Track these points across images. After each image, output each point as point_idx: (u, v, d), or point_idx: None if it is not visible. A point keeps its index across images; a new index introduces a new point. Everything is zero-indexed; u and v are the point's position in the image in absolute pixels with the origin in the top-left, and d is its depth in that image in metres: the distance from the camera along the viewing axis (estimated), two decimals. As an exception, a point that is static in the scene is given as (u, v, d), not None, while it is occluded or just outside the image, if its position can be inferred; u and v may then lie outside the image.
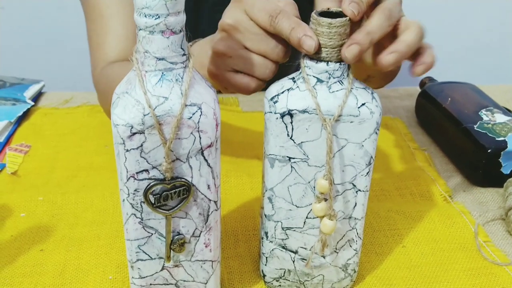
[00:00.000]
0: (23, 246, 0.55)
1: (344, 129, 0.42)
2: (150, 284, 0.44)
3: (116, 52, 0.72)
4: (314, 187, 0.45)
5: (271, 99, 0.43)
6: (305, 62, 0.42)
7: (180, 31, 0.36)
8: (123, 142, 0.37)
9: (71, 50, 1.32)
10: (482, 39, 1.43)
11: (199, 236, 0.42)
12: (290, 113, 0.42)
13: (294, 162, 0.44)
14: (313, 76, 0.42)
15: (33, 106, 0.81)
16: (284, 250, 0.48)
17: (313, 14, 0.41)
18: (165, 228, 0.41)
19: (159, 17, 0.35)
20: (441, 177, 0.69)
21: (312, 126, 0.42)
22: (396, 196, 0.65)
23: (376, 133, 0.43)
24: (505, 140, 0.65)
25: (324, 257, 0.48)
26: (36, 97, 0.84)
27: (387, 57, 0.44)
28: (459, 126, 0.70)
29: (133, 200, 0.39)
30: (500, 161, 0.65)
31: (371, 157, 0.44)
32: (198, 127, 0.38)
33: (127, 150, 0.37)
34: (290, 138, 0.43)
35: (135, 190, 0.39)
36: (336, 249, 0.48)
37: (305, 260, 0.48)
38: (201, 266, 0.44)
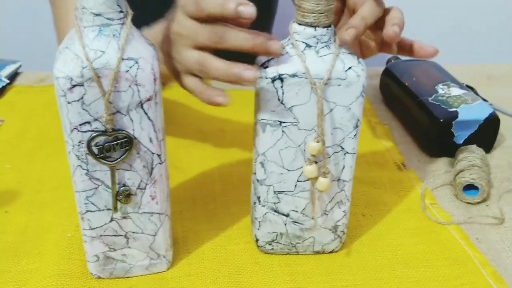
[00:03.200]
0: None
1: (332, 92, 0.44)
2: (100, 236, 0.47)
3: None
4: (304, 150, 0.47)
5: (262, 65, 0.45)
6: (294, 28, 0.44)
7: (117, -12, 0.39)
8: (64, 95, 0.39)
9: (49, 31, 1.34)
10: (453, 22, 1.46)
11: (145, 188, 0.45)
12: (280, 78, 0.44)
13: (285, 126, 0.46)
14: (302, 42, 0.44)
15: (8, 84, 0.84)
16: (276, 213, 0.50)
17: None
18: (110, 180, 0.44)
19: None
20: (397, 147, 0.72)
21: (302, 90, 0.44)
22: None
23: (362, 96, 0.45)
24: (456, 111, 0.68)
25: (313, 218, 0.50)
26: (12, 76, 0.87)
27: (347, 32, 0.47)
28: (415, 99, 0.73)
29: (78, 151, 0.42)
30: (452, 131, 0.68)
31: (358, 119, 0.46)
32: (136, 81, 0.40)
33: (69, 102, 0.40)
34: (281, 102, 0.45)
35: (79, 142, 0.42)
36: (326, 211, 0.50)
37: (297, 223, 0.50)
38: (149, 219, 0.47)
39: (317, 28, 0.43)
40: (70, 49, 0.39)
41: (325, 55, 0.44)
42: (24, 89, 0.84)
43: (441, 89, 0.73)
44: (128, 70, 0.40)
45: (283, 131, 0.46)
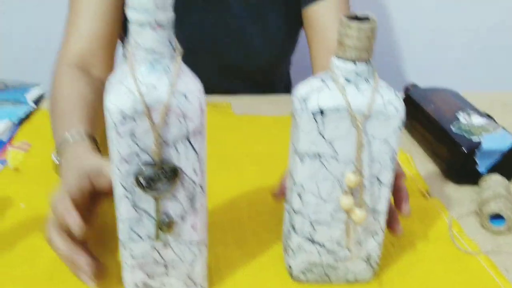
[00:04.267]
0: (23, 233, 0.59)
1: (371, 126, 0.45)
2: (141, 264, 0.47)
3: (75, 51, 0.77)
4: (341, 182, 0.47)
5: (302, 97, 0.46)
6: (334, 62, 0.45)
7: (168, 26, 0.40)
8: (115, 127, 0.41)
9: None
10: (468, 48, 1.48)
11: (186, 218, 0.46)
12: (321, 111, 0.44)
13: (324, 158, 0.46)
14: (342, 76, 0.45)
15: (34, 107, 0.85)
16: (311, 243, 0.50)
17: (342, 18, 0.43)
18: (154, 209, 0.44)
19: (148, 12, 0.39)
20: (420, 175, 0.73)
21: (342, 123, 0.45)
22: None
23: (400, 129, 0.46)
24: (479, 140, 0.69)
25: (348, 249, 0.50)
26: (37, 99, 0.88)
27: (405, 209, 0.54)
28: (437, 127, 0.74)
29: (125, 182, 0.43)
30: (476, 160, 0.69)
31: (395, 152, 0.47)
32: (184, 114, 0.41)
33: (119, 134, 0.41)
34: (321, 134, 0.45)
35: (126, 173, 0.43)
36: (360, 241, 0.51)
37: (332, 252, 0.51)
38: (189, 248, 0.48)
39: (357, 63, 0.44)
40: (122, 83, 0.40)
41: (364, 89, 0.45)
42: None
43: (462, 117, 0.75)
44: (177, 104, 0.41)
45: (321, 162, 0.47)
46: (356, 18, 0.44)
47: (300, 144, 0.47)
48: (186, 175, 0.44)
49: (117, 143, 0.41)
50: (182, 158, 0.43)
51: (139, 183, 0.43)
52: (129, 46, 0.41)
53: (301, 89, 0.47)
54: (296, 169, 0.48)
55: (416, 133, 0.82)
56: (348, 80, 0.45)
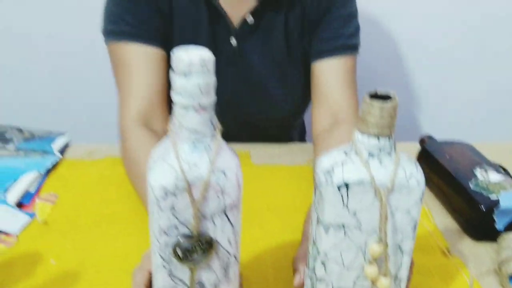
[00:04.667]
0: (54, 291, 0.60)
1: (394, 198, 0.47)
2: (173, 329, 0.49)
3: (136, 110, 0.81)
4: (364, 250, 0.49)
5: (327, 171, 0.47)
6: (357, 137, 0.47)
7: (210, 108, 0.42)
8: (157, 202, 0.43)
9: (94, 104, 1.41)
10: (481, 98, 1.50)
11: (220, 286, 0.47)
12: (346, 185, 0.46)
13: (348, 228, 0.48)
14: (365, 150, 0.46)
15: (60, 158, 0.87)
16: None
17: (365, 96, 0.45)
18: (189, 279, 0.46)
19: (193, 97, 0.41)
20: (439, 230, 0.74)
21: (366, 196, 0.46)
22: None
23: (421, 200, 0.48)
24: (497, 198, 0.71)
25: None
26: (63, 149, 0.90)
27: None
28: (455, 183, 0.76)
29: (164, 253, 0.45)
30: (494, 217, 0.70)
31: (416, 221, 0.48)
32: (223, 190, 0.43)
33: (161, 209, 0.43)
34: (345, 206, 0.47)
35: (165, 244, 0.44)
36: None
37: None
38: (220, 313, 0.49)
39: (380, 138, 0.46)
40: (165, 161, 0.43)
41: (387, 163, 0.47)
42: (75, 163, 0.88)
43: (479, 173, 0.76)
44: (216, 181, 0.43)
45: (345, 232, 0.48)
46: (377, 95, 0.46)
47: (326, 215, 0.48)
48: (222, 246, 0.46)
49: (158, 217, 0.43)
50: (218, 230, 0.45)
51: (176, 255, 0.44)
52: (173, 126, 0.43)
53: (325, 162, 0.48)
54: (321, 239, 0.49)
55: (433, 186, 0.83)
56: (371, 155, 0.47)
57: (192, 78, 0.41)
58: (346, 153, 0.48)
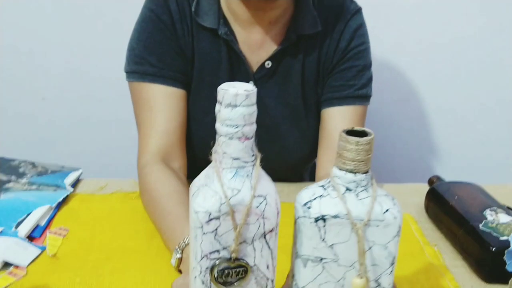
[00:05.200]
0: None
1: (370, 232, 0.47)
2: None
3: (156, 147, 0.83)
4: (342, 284, 0.49)
5: (304, 204, 0.48)
6: (335, 172, 0.48)
7: (252, 136, 0.45)
8: (201, 226, 0.44)
9: (106, 139, 1.42)
10: (489, 140, 1.54)
11: (256, 310, 0.48)
12: (323, 218, 0.47)
13: (325, 262, 0.48)
14: (342, 185, 0.48)
15: (72, 192, 0.88)
16: None
17: (341, 132, 0.47)
18: (226, 303, 0.46)
19: (237, 127, 0.43)
20: (450, 271, 0.75)
21: (343, 229, 0.47)
22: (409, 290, 0.71)
23: (398, 235, 0.49)
24: (508, 239, 0.73)
25: None
26: (75, 183, 0.91)
27: None
28: (465, 224, 0.78)
29: (204, 277, 0.45)
30: (505, 259, 0.72)
31: (394, 257, 0.49)
32: (263, 215, 0.45)
33: (204, 233, 0.44)
34: (323, 240, 0.48)
35: (206, 268, 0.45)
36: None
37: None
38: None
39: (356, 174, 0.47)
40: (209, 187, 0.44)
41: (364, 198, 0.48)
42: (86, 197, 0.88)
43: (489, 214, 0.78)
44: (258, 206, 0.44)
45: (323, 266, 0.49)
46: (354, 131, 0.48)
47: (304, 249, 0.48)
48: (260, 270, 0.46)
49: (201, 241, 0.44)
50: (257, 254, 0.46)
51: (216, 278, 0.45)
52: (216, 155, 0.45)
53: (303, 196, 0.49)
54: (299, 273, 0.49)
55: (442, 227, 0.85)
56: (348, 189, 0.48)
57: (238, 109, 0.43)
58: (324, 187, 0.49)
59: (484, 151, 1.54)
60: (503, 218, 0.78)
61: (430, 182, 0.93)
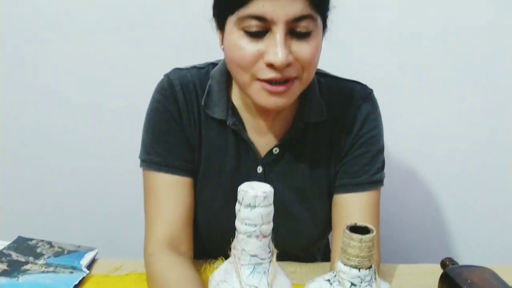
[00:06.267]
0: None
1: None
2: None
3: (162, 235, 0.85)
4: None
5: None
6: (340, 267, 0.50)
7: (269, 234, 0.47)
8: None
9: (122, 219, 1.45)
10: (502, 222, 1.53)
11: None
12: None
13: None
14: (347, 280, 0.50)
15: (87, 273, 0.89)
16: None
17: (345, 229, 0.50)
18: None
19: (256, 225, 0.45)
20: None
21: None
22: None
23: None
24: (523, 325, 0.72)
25: None
26: (90, 264, 0.92)
27: None
28: (479, 309, 0.77)
29: None
30: None
31: None
32: (279, 312, 0.46)
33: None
34: None
35: None
36: None
37: None
38: None
39: (360, 269, 0.49)
40: (228, 283, 0.46)
41: None
42: (101, 278, 0.89)
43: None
44: (274, 303, 0.46)
45: None
46: (357, 227, 0.50)
47: None
48: None
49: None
50: None
51: None
52: (235, 250, 0.47)
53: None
54: None
55: (455, 310, 0.84)
56: (353, 284, 0.50)
57: (256, 209, 0.45)
58: (330, 282, 0.51)
59: (497, 232, 1.52)
60: (517, 304, 0.77)
61: (443, 264, 0.92)
